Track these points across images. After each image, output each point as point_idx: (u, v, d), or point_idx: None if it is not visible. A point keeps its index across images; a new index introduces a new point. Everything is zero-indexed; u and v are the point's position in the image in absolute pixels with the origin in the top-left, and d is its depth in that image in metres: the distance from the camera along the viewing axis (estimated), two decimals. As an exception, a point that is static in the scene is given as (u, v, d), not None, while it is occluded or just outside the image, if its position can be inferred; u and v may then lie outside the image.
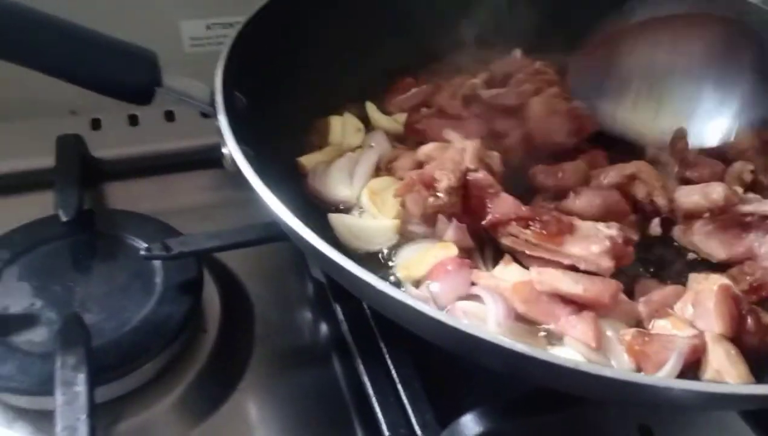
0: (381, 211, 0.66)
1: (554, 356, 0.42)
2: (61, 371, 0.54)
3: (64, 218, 0.68)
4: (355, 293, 0.53)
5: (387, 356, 0.60)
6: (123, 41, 0.57)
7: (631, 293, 0.60)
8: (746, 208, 0.65)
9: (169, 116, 0.91)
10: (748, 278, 0.61)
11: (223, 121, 0.57)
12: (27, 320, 0.61)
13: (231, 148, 0.55)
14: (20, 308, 0.62)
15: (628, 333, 0.54)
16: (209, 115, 0.60)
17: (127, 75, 0.57)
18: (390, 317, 0.51)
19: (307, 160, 0.72)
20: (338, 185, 0.69)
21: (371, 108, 0.80)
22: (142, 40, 0.62)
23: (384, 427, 0.56)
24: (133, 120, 0.90)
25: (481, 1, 0.81)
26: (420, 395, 0.57)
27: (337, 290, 0.66)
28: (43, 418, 0.57)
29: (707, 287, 0.58)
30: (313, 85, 0.74)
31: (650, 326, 0.56)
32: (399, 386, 0.58)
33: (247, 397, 0.63)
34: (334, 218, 0.64)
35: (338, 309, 0.65)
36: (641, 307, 0.57)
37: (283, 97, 0.70)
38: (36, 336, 0.60)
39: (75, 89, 0.90)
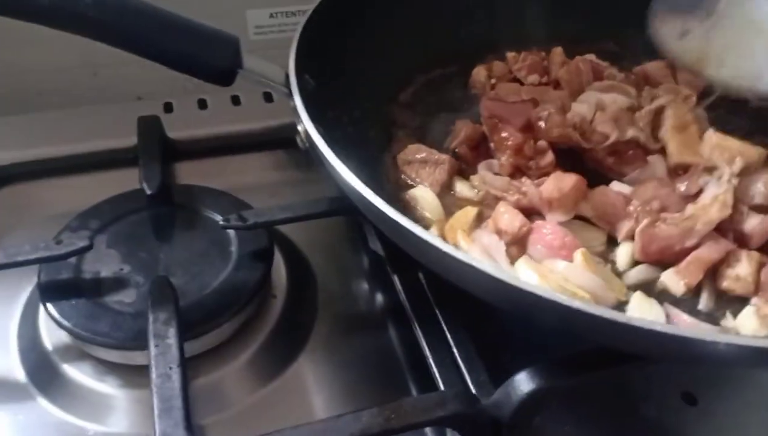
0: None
1: (617, 314, 0.44)
2: (153, 326, 0.59)
3: (148, 191, 0.73)
4: (418, 257, 0.56)
5: (442, 322, 0.63)
6: (209, 27, 0.61)
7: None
8: None
9: (236, 100, 0.96)
10: None
11: (298, 100, 0.61)
12: (117, 283, 0.66)
13: (306, 125, 0.59)
14: (110, 272, 0.67)
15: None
16: (284, 95, 0.64)
17: (213, 58, 0.60)
18: (452, 280, 0.54)
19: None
20: None
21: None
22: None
23: (441, 385, 0.59)
24: (202, 104, 0.95)
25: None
26: (474, 356, 0.60)
27: (396, 261, 0.70)
28: (131, 372, 0.63)
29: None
30: (376, 71, 0.78)
31: None
32: (454, 349, 0.61)
33: (311, 359, 0.67)
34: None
35: (396, 280, 0.69)
36: None
37: (347, 82, 0.74)
38: (126, 297, 0.65)
39: (141, 78, 0.96)
